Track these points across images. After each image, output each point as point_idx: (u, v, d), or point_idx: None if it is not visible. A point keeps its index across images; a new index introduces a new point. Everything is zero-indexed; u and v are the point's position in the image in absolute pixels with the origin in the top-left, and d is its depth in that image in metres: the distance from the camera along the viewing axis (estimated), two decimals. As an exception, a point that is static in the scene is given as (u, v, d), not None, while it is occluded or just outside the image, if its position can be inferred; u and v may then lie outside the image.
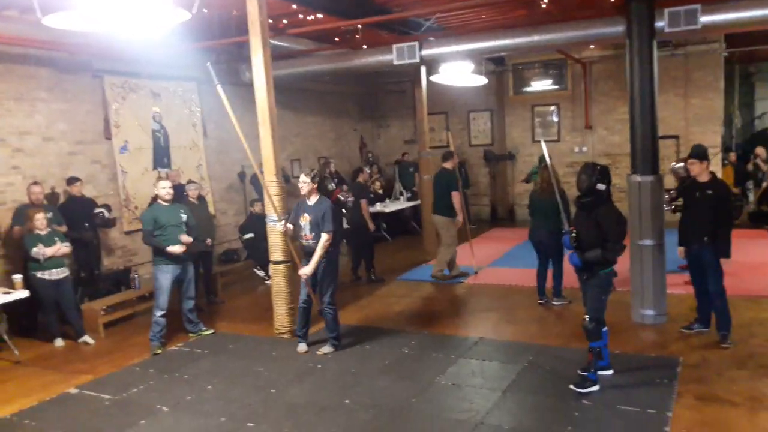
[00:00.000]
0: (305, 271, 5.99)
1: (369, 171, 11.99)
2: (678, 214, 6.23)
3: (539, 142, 7.58)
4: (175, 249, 6.48)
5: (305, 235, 6.08)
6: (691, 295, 6.25)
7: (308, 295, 6.14)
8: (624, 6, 6.87)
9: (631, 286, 6.62)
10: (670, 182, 8.05)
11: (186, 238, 6.58)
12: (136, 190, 9.20)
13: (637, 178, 6.53)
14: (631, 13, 6.62)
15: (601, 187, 4.95)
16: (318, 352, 6.15)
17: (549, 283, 7.42)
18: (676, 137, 12.47)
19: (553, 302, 7.38)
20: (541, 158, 10.72)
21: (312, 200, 6.12)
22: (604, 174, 5.00)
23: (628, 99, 6.67)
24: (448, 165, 8.67)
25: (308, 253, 6.05)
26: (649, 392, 4.85)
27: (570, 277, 7.96)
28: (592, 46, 12.33)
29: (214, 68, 6.10)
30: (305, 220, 6.07)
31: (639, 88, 6.53)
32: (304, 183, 6.13)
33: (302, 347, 6.22)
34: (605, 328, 5.11)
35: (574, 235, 5.01)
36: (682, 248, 6.02)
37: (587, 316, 4.98)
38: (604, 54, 12.88)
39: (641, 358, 5.59)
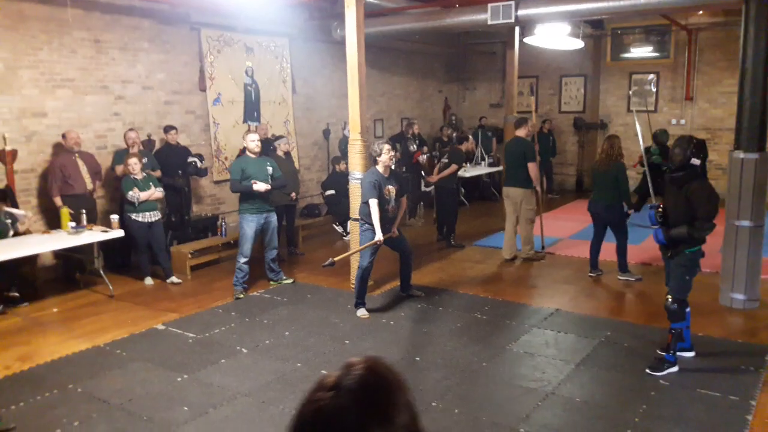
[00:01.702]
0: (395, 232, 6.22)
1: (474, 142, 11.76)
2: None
3: (636, 112, 7.16)
4: (260, 186, 6.64)
5: (392, 207, 6.15)
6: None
7: (372, 263, 6.19)
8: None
9: (722, 267, 6.29)
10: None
11: (262, 185, 6.69)
12: (226, 141, 9.51)
13: (741, 154, 6.12)
14: (751, -24, 6.12)
15: (695, 161, 4.68)
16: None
17: (609, 257, 7.27)
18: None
19: (618, 277, 7.16)
20: (656, 134, 10.16)
21: (387, 172, 6.13)
22: (699, 148, 4.72)
23: (739, 69, 6.20)
24: (521, 132, 7.89)
25: (391, 221, 6.15)
26: (733, 378, 4.64)
27: (644, 253, 7.81)
28: (700, 12, 11.54)
29: None
30: (391, 193, 6.11)
31: (753, 57, 6.05)
32: (392, 154, 6.12)
33: (365, 312, 6.18)
34: (688, 309, 4.90)
35: (660, 210, 4.80)
36: None
37: (670, 296, 4.80)
38: (713, 21, 12.02)
39: (727, 342, 5.33)
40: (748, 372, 4.74)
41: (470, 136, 9.94)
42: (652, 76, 13.14)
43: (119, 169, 7.52)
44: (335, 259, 5.82)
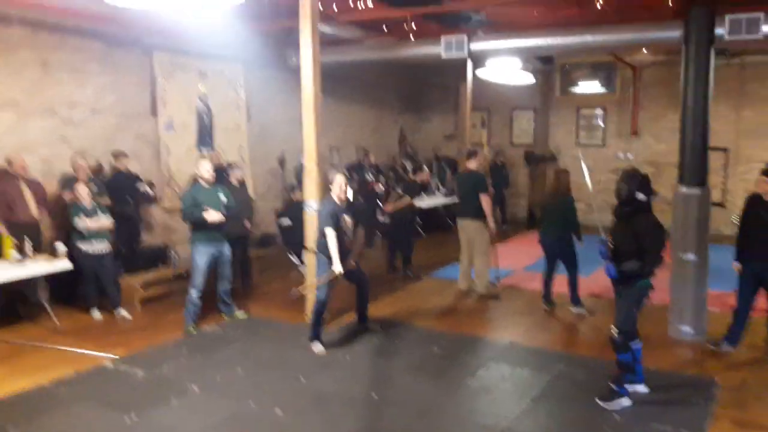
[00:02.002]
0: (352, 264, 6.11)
1: (429, 173, 11.93)
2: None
3: (582, 145, 7.38)
4: (212, 216, 6.46)
5: (349, 238, 6.09)
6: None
7: (328, 296, 6.10)
8: (684, 11, 6.66)
9: (670, 300, 6.47)
10: (716, 195, 7.80)
11: (215, 215, 6.52)
12: (178, 168, 9.32)
13: (684, 189, 6.36)
14: (691, 19, 6.42)
15: (640, 196, 4.81)
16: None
17: (561, 289, 7.38)
18: (725, 150, 12.12)
19: (571, 309, 7.29)
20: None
21: (344, 202, 6.09)
22: (644, 183, 4.87)
23: (681, 108, 6.48)
24: (472, 165, 7.92)
25: (348, 252, 6.06)
26: (684, 412, 4.74)
27: (595, 285, 7.95)
28: (644, 50, 12.03)
29: None
30: (348, 223, 6.06)
31: (692, 97, 6.34)
32: (344, 187, 6.04)
33: (320, 347, 6.06)
34: (640, 343, 4.99)
35: (610, 245, 4.90)
36: (738, 265, 5.85)
37: (614, 328, 4.88)
38: (656, 59, 12.53)
39: (677, 376, 5.46)
40: (699, 405, 4.85)
41: (424, 167, 10.03)
42: (599, 110, 13.60)
43: (67, 196, 7.26)
44: (299, 289, 5.78)
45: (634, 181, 4.84)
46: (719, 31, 6.85)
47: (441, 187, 13.04)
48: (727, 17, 7.04)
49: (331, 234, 5.82)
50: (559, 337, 6.59)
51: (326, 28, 8.93)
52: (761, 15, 7.02)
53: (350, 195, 6.43)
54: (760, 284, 5.74)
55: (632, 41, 8.64)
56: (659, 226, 4.85)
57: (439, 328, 6.77)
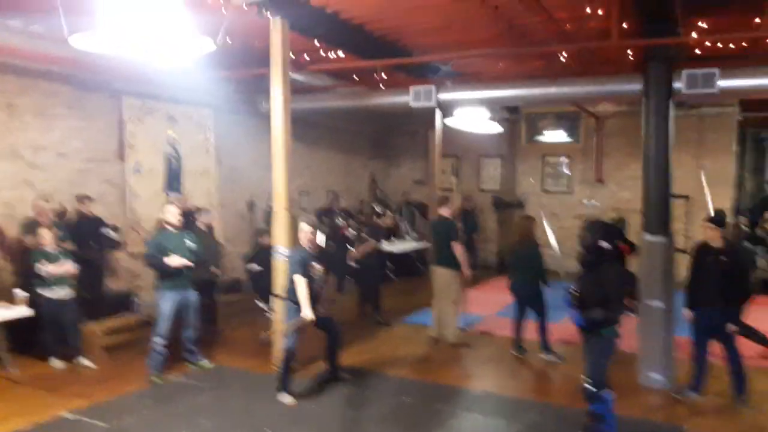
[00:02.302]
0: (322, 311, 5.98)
1: (395, 215, 12.02)
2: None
3: (549, 191, 7.48)
4: (173, 261, 6.35)
5: (318, 285, 6.00)
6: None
7: (296, 343, 5.97)
8: (643, 65, 6.92)
9: (639, 347, 6.52)
10: (679, 242, 7.96)
11: (177, 260, 6.41)
12: (145, 212, 9.17)
13: (649, 237, 6.49)
14: (650, 73, 6.67)
15: (604, 245, 4.88)
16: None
17: (532, 335, 7.38)
18: (686, 197, 12.45)
19: (541, 356, 7.28)
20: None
21: (314, 249, 6.04)
22: (607, 232, 4.95)
23: (643, 157, 6.66)
24: (444, 211, 7.90)
25: (317, 299, 5.95)
26: (655, 461, 4.73)
27: (566, 331, 7.96)
28: (606, 103, 12.41)
29: None
30: (318, 270, 6.00)
31: (654, 146, 6.53)
32: (309, 236, 6.00)
33: (289, 398, 5.90)
34: (610, 392, 4.99)
35: (576, 293, 4.93)
36: (687, 311, 5.94)
37: (586, 378, 4.87)
38: (618, 109, 12.94)
39: (647, 423, 5.47)
40: (669, 454, 4.85)
41: (388, 212, 10.06)
42: (564, 158, 13.91)
43: (29, 240, 7.06)
44: (268, 333, 5.69)
45: (598, 230, 4.92)
46: (677, 84, 7.12)
47: (411, 231, 13.06)
48: (684, 72, 7.32)
49: (300, 281, 5.76)
50: (530, 385, 6.56)
51: (297, 76, 9.02)
52: (717, 70, 7.33)
53: (322, 240, 6.36)
54: (713, 331, 5.79)
55: (595, 93, 8.93)
56: (624, 273, 4.91)
57: (411, 376, 6.68)
